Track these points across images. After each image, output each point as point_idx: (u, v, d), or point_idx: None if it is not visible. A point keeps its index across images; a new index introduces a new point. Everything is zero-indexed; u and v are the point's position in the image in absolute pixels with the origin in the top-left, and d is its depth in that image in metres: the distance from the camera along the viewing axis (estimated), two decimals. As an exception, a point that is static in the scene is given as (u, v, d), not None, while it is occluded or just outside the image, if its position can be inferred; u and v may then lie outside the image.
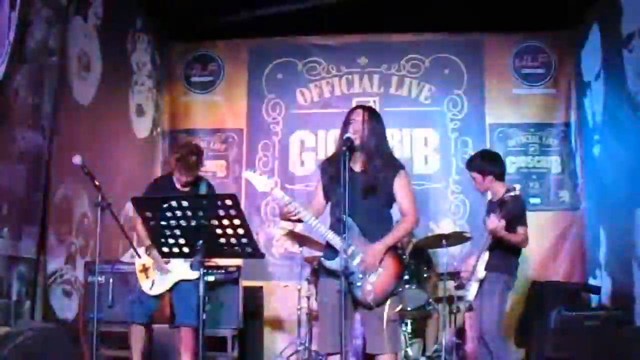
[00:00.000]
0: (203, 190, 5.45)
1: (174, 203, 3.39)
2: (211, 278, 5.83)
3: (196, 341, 5.30)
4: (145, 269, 5.39)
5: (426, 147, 8.08)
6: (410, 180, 4.43)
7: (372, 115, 4.30)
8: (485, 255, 5.22)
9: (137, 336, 5.37)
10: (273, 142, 8.24)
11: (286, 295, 7.37)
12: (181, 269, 5.26)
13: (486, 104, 8.05)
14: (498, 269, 5.22)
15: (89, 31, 6.41)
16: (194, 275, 5.10)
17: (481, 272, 5.21)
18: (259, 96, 8.33)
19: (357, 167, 4.24)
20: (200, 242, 3.44)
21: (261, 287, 7.29)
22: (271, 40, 8.38)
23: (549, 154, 7.94)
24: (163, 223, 3.44)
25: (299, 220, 4.27)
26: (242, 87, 8.40)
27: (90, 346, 4.46)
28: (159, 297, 5.43)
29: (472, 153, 7.72)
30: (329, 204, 4.38)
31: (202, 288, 3.49)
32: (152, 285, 5.35)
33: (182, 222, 3.42)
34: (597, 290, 7.01)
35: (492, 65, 8.10)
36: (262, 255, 3.87)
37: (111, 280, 5.73)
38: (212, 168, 8.17)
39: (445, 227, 7.60)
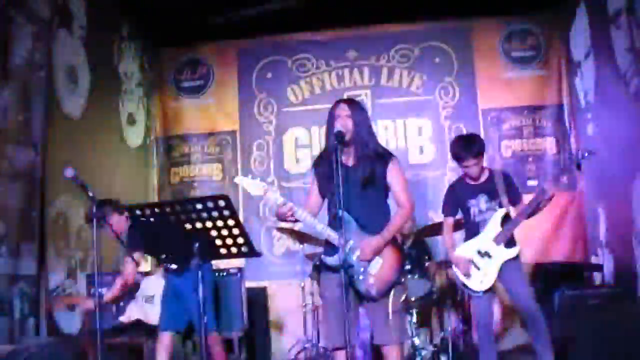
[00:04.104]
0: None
1: (167, 208, 3.39)
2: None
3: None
4: None
5: (420, 137, 8.08)
6: (403, 168, 4.40)
7: (358, 108, 4.29)
8: (491, 233, 5.15)
9: (162, 345, 5.20)
10: (267, 142, 8.23)
11: (290, 294, 7.36)
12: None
13: (478, 90, 8.05)
14: (515, 243, 5.21)
15: (75, 43, 6.39)
16: None
17: (508, 252, 5.11)
18: (250, 96, 8.33)
19: (350, 161, 4.22)
20: (196, 245, 3.43)
21: (265, 288, 7.29)
22: (259, 39, 8.37)
23: (544, 135, 7.92)
24: (158, 229, 3.44)
25: (296, 221, 4.25)
26: (233, 89, 8.40)
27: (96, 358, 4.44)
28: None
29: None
30: (325, 201, 4.36)
31: (201, 290, 3.48)
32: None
33: (177, 226, 3.41)
34: (598, 268, 7.01)
35: (481, 50, 8.10)
36: (258, 254, 3.86)
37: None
38: (208, 172, 8.21)
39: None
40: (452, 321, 6.53)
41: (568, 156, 4.97)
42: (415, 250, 6.58)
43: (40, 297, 5.43)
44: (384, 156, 4.25)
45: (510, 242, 5.18)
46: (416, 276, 6.35)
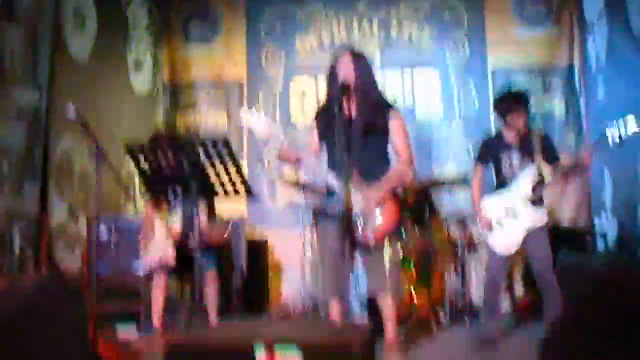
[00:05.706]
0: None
1: (166, 146, 3.39)
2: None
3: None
4: None
5: (428, 93, 7.99)
6: (405, 120, 4.36)
7: (361, 58, 4.25)
8: (521, 191, 4.97)
9: (158, 285, 5.19)
10: (274, 92, 8.18)
11: (290, 245, 7.37)
12: None
13: (488, 47, 7.91)
14: (542, 204, 5.06)
15: (82, -15, 6.34)
16: None
17: (536, 214, 4.95)
18: (258, 46, 8.25)
19: (352, 112, 4.20)
20: (193, 182, 3.44)
21: (266, 237, 7.32)
22: (269, -12, 8.27)
23: (553, 96, 7.83)
24: (156, 167, 3.44)
25: (297, 161, 4.22)
26: (241, 38, 8.31)
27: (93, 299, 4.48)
28: None
29: (475, 97, 7.76)
30: (326, 152, 4.34)
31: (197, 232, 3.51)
32: None
33: (176, 166, 3.42)
34: (602, 234, 6.98)
35: (492, 7, 7.95)
36: (254, 195, 3.86)
37: (113, 233, 5.75)
38: (213, 120, 8.17)
39: (450, 172, 7.58)
40: (451, 279, 6.53)
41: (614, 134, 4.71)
42: (417, 205, 6.57)
43: (41, 236, 5.47)
44: (386, 107, 4.24)
45: (538, 204, 5.02)
46: (416, 230, 6.36)
